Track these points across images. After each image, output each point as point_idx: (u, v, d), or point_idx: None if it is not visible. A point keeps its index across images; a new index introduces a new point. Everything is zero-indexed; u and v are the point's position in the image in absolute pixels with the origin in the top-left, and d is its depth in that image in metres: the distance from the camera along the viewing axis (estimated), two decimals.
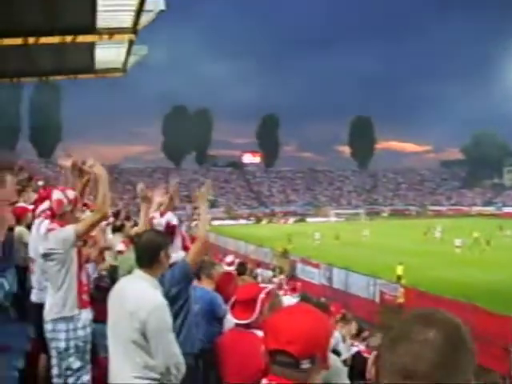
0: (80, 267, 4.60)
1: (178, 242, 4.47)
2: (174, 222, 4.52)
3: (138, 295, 3.44)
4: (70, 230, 4.37)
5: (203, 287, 5.02)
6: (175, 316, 4.01)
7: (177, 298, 4.08)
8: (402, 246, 43.97)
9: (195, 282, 7.27)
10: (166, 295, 4.01)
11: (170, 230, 4.41)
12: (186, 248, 4.66)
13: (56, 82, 76.83)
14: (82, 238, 4.74)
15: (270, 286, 3.77)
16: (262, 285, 4.04)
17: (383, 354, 1.26)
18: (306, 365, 1.86)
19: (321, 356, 1.90)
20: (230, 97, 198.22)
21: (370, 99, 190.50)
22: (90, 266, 7.02)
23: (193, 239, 5.02)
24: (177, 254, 4.31)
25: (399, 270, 28.93)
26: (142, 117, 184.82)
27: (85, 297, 4.66)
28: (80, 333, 4.49)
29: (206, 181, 4.85)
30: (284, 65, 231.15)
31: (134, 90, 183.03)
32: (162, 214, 4.63)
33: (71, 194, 4.84)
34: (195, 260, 4.24)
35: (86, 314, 4.60)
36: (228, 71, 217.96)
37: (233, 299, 3.71)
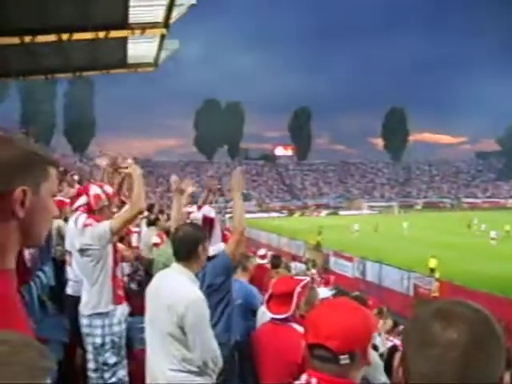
0: (115, 263, 4.63)
1: (217, 235, 4.46)
2: (212, 214, 4.51)
3: (176, 289, 3.45)
4: (106, 226, 4.39)
5: (239, 280, 5.02)
6: (215, 307, 4.03)
7: (218, 290, 4.08)
8: (436, 239, 43.43)
9: None
10: (208, 287, 4.04)
11: (208, 223, 4.41)
12: (225, 241, 4.66)
13: (89, 78, 77.79)
14: (119, 235, 4.78)
15: (306, 279, 3.74)
16: (296, 278, 4.01)
17: (407, 359, 1.22)
18: (345, 360, 1.84)
19: (361, 352, 1.88)
20: (261, 90, 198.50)
21: (403, 90, 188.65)
22: (124, 263, 7.12)
23: (229, 231, 5.03)
24: (216, 247, 4.31)
25: (432, 263, 28.61)
26: (174, 110, 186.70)
27: (120, 292, 4.69)
28: (116, 328, 4.52)
29: (237, 168, 4.81)
30: (316, 57, 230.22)
31: (167, 84, 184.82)
32: (199, 208, 4.63)
33: (109, 189, 4.89)
34: (234, 252, 4.23)
35: (122, 310, 4.63)
36: (259, 64, 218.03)
37: (268, 293, 3.70)
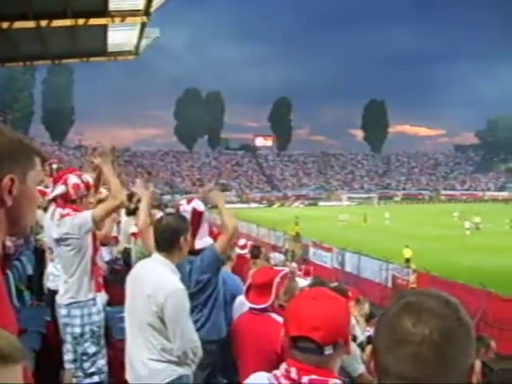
0: (95, 250, 4.59)
1: (204, 228, 4.44)
2: (201, 208, 4.49)
3: (156, 279, 3.44)
4: (87, 216, 4.33)
5: (225, 270, 5.03)
6: (204, 304, 4.02)
7: (206, 286, 4.06)
8: (414, 231, 43.89)
9: None
10: (196, 284, 4.02)
11: (197, 216, 4.38)
12: (212, 235, 4.63)
13: (69, 65, 76.93)
14: (100, 225, 4.73)
15: (285, 270, 3.76)
16: (276, 268, 4.03)
17: (379, 355, 1.20)
18: (329, 351, 1.87)
19: (343, 341, 1.92)
20: (242, 80, 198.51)
21: (383, 82, 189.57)
22: (103, 249, 7.04)
23: (216, 227, 5.01)
24: (203, 241, 4.30)
25: (406, 253, 28.95)
26: (154, 99, 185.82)
27: (100, 280, 4.65)
28: (95, 318, 4.48)
29: (207, 185, 4.82)
30: (296, 48, 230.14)
31: (147, 73, 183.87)
32: (188, 201, 4.61)
33: (87, 178, 4.81)
34: (225, 249, 4.22)
35: (101, 298, 4.59)
36: (241, 54, 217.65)
37: (247, 283, 3.71)
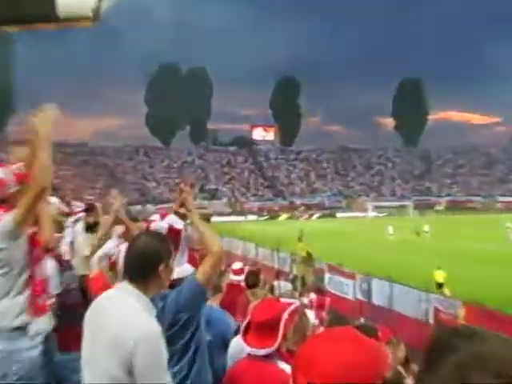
0: (34, 261, 4.48)
1: (184, 252, 4.40)
2: (179, 226, 4.45)
3: (125, 318, 3.36)
4: (8, 219, 4.22)
5: (210, 305, 4.97)
6: (183, 352, 3.95)
7: (185, 328, 3.98)
8: (460, 249, 43.85)
9: None
10: (172, 323, 3.96)
11: (174, 236, 4.33)
12: (192, 262, 4.57)
13: (7, 34, 76.86)
14: (28, 225, 4.49)
15: (295, 303, 3.72)
16: (282, 300, 3.99)
17: None
18: None
19: None
20: (235, 53, 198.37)
21: (421, 57, 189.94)
22: (53, 278, 6.97)
23: (196, 251, 4.95)
24: (182, 269, 4.26)
25: (439, 277, 29.26)
26: (119, 79, 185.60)
27: (40, 301, 4.53)
28: (25, 355, 4.27)
29: (183, 183, 4.77)
30: (307, 12, 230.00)
31: (111, 45, 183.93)
32: (163, 216, 4.57)
33: (17, 169, 4.64)
34: (209, 279, 4.14)
35: (39, 325, 4.41)
36: (233, 19, 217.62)
37: (246, 321, 3.67)
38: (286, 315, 3.53)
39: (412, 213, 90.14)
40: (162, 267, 3.51)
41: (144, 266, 3.49)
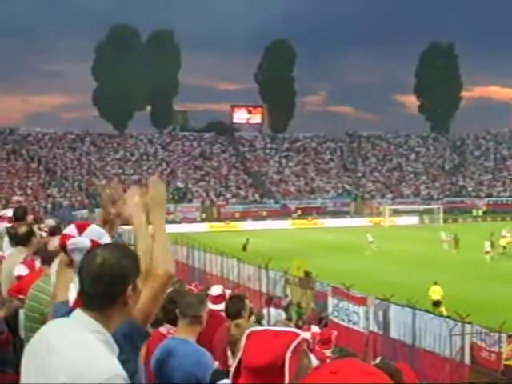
0: None
1: None
2: (105, 239, 4.42)
3: (78, 358, 3.33)
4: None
5: (183, 339, 4.95)
6: None
7: None
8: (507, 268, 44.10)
9: (167, 329, 7.24)
10: None
11: None
12: None
13: None
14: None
15: (298, 336, 3.65)
16: (278, 329, 3.92)
17: None
18: None
19: None
20: (210, 13, 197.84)
21: (454, 18, 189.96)
22: None
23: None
24: None
25: (435, 293, 30.60)
26: (59, 46, 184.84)
27: None
28: None
29: (153, 177, 4.73)
30: None
31: (48, 3, 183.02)
32: (80, 229, 4.53)
33: (94, 235, 4.62)
34: (149, 314, 4.14)
35: None
36: None
37: (236, 362, 3.63)
38: (289, 353, 3.46)
39: (442, 218, 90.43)
40: (129, 290, 3.50)
41: (107, 289, 3.47)
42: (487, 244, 52.73)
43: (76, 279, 5.26)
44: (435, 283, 32.33)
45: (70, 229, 4.46)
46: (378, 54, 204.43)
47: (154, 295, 4.12)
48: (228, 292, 11.72)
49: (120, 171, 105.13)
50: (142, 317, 4.06)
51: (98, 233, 4.39)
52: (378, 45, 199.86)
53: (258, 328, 5.02)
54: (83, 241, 4.29)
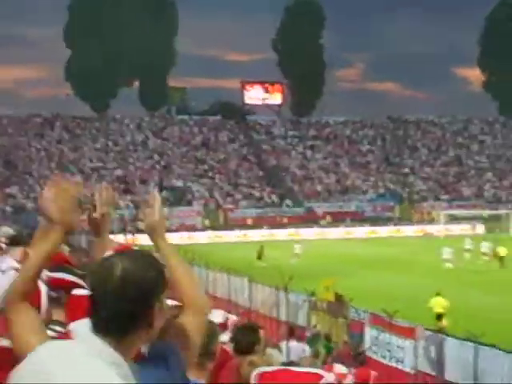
0: None
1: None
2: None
3: None
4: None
5: (193, 381, 4.97)
6: None
7: None
8: None
9: None
10: None
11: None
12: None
13: None
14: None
15: (323, 376, 3.66)
16: (301, 370, 3.92)
17: None
18: None
19: None
20: None
21: None
22: None
23: None
24: None
25: (437, 305, 31.73)
26: (24, 8, 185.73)
27: None
28: None
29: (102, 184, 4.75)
30: None
31: None
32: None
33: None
34: (195, 352, 4.21)
35: None
36: None
37: None
38: None
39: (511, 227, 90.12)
40: (156, 309, 3.52)
41: (130, 309, 3.42)
42: None
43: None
44: (438, 294, 33.37)
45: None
46: (430, 16, 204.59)
47: (199, 327, 4.21)
48: (233, 318, 11.73)
49: (100, 165, 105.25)
50: (190, 359, 4.10)
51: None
52: (431, 5, 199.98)
53: (270, 368, 5.03)
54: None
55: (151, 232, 4.38)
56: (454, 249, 59.64)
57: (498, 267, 56.55)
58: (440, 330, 27.64)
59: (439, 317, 31.08)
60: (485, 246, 62.43)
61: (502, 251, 58.61)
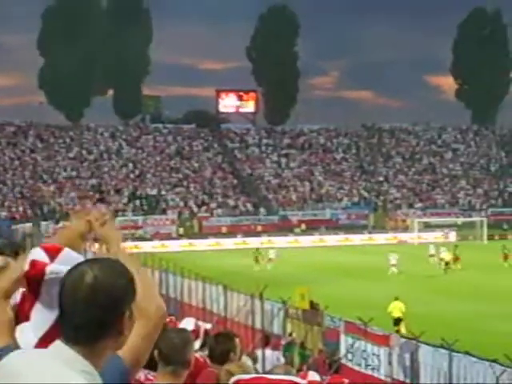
0: None
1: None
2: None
3: None
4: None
5: None
6: None
7: None
8: None
9: (144, 374, 7.25)
10: None
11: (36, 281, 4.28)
12: None
13: None
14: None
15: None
16: (271, 377, 3.92)
17: None
18: None
19: None
20: None
21: None
22: None
23: None
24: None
25: (395, 310, 32.70)
26: None
27: None
28: None
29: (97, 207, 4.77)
30: None
31: None
32: (52, 253, 4.50)
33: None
34: (141, 359, 4.11)
35: None
36: None
37: None
38: None
39: (486, 235, 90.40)
40: (126, 317, 3.52)
41: (100, 317, 3.43)
42: None
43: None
44: (396, 298, 34.53)
45: (38, 254, 4.36)
46: (404, 24, 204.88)
47: (147, 334, 4.11)
48: (206, 327, 11.65)
49: (74, 174, 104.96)
50: (134, 365, 4.03)
51: (75, 258, 4.33)
52: (405, 12, 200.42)
53: (246, 376, 5.03)
54: (61, 269, 4.22)
55: (107, 242, 4.40)
56: (398, 255, 60.85)
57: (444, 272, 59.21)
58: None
59: (397, 321, 32.13)
60: (443, 252, 64.52)
61: (447, 256, 62.08)
